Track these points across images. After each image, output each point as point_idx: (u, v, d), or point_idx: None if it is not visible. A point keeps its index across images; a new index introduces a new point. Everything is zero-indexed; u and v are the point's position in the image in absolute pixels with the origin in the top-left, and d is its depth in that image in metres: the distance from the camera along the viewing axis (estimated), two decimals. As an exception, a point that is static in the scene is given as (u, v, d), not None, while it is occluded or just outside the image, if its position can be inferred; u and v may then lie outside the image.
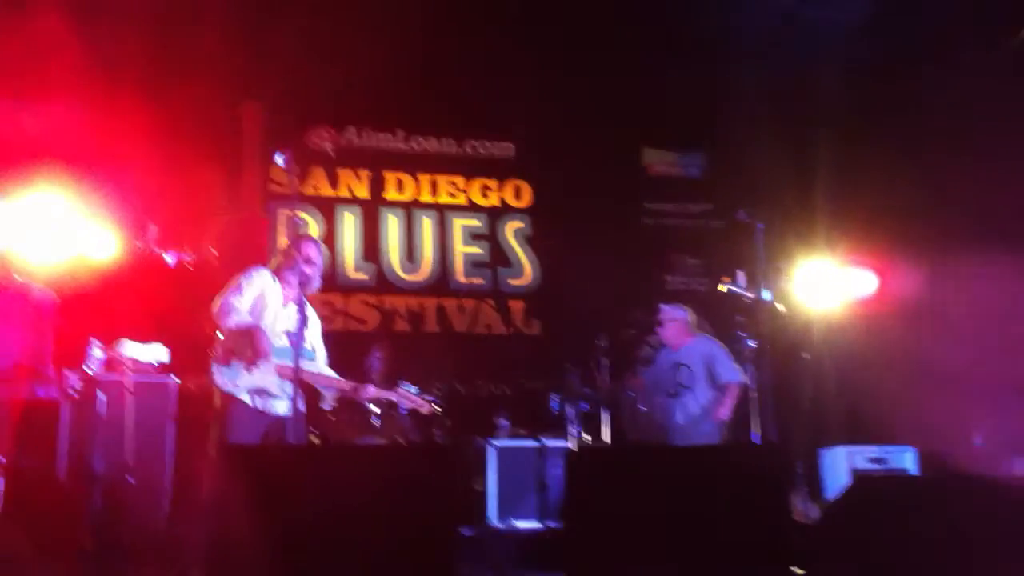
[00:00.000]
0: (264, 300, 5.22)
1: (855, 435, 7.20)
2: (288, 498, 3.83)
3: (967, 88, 7.66)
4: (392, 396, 5.57)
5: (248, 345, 5.05)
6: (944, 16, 7.55)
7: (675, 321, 7.05)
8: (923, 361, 7.56)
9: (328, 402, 6.19)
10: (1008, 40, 7.76)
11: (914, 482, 5.76)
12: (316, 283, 5.35)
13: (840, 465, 6.92)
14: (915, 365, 7.59)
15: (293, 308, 5.00)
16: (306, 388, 5.19)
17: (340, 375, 5.47)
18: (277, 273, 5.32)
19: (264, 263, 5.46)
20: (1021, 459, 5.72)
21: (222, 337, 5.13)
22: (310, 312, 5.39)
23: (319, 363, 5.45)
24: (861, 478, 5.53)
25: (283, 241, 5.36)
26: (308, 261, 5.18)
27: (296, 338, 4.78)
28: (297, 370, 4.70)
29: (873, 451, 6.95)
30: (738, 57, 8.15)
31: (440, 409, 5.71)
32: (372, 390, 5.43)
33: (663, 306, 7.17)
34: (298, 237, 5.47)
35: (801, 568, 4.55)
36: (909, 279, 7.77)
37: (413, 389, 5.57)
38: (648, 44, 8.44)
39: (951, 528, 4.04)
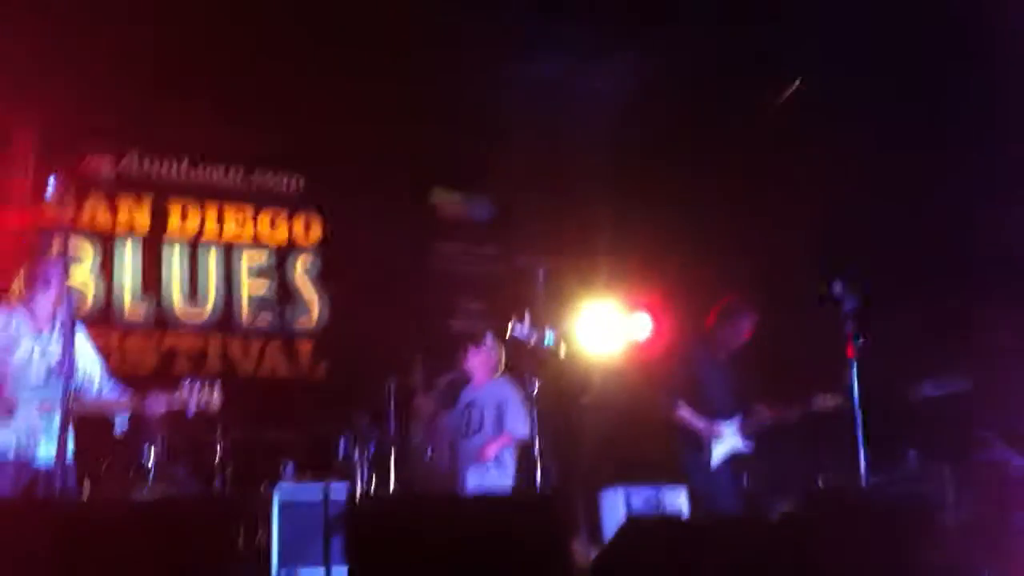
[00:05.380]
0: (8, 338, 4.96)
1: (634, 476, 7.46)
2: (52, 561, 3.62)
3: (737, 146, 8.22)
4: (179, 397, 5.13)
5: None
6: (712, 81, 8.05)
7: (481, 352, 7.05)
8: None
9: (120, 427, 5.79)
10: (774, 100, 8.37)
11: (683, 523, 6.07)
12: (68, 303, 4.81)
13: (618, 506, 7.17)
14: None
15: (48, 337, 4.91)
16: (84, 424, 4.94)
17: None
18: (24, 303, 5.08)
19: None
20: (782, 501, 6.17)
21: None
22: (77, 336, 5.07)
23: (96, 386, 5.19)
24: (632, 520, 5.76)
25: (21, 271, 5.14)
26: (47, 283, 4.99)
27: (59, 369, 4.62)
28: (68, 400, 4.45)
29: (648, 491, 7.24)
30: (515, 110, 8.33)
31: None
32: (156, 399, 5.10)
33: None
34: (33, 261, 5.23)
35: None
36: (681, 322, 8.18)
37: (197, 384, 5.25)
38: (435, 81, 8.48)
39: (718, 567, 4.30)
